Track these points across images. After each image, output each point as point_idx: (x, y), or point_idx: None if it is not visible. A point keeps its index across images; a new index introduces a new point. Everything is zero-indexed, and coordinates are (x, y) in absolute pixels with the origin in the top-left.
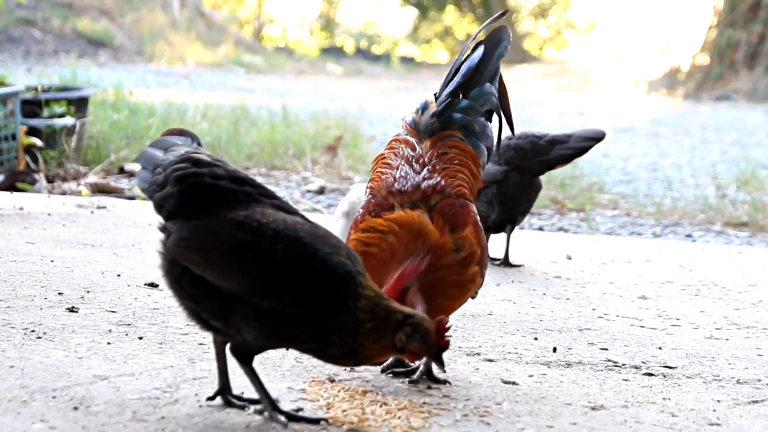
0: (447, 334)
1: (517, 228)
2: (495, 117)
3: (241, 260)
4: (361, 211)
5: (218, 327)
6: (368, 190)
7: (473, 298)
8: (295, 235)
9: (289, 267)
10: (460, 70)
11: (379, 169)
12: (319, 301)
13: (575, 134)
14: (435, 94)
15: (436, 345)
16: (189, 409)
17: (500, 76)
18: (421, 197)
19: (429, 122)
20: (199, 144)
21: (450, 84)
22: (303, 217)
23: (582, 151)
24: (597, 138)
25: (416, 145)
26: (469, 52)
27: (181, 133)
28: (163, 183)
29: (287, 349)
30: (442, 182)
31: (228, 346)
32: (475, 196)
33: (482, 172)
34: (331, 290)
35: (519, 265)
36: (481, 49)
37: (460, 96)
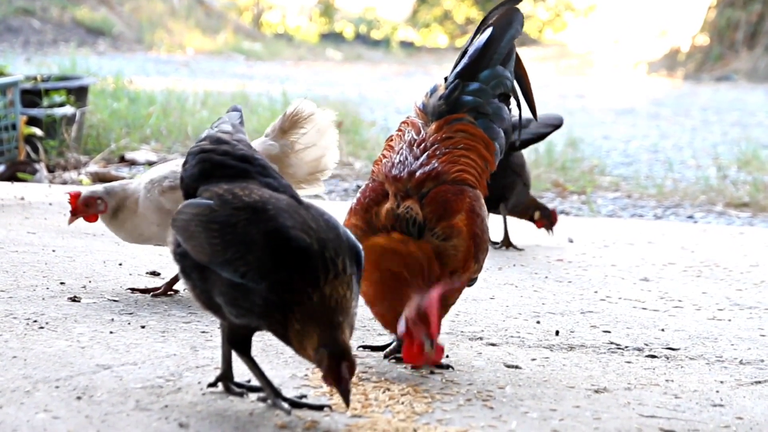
0: (344, 378)
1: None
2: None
3: (209, 230)
4: (358, 195)
5: (207, 302)
6: (371, 173)
7: (470, 285)
8: (262, 207)
9: (246, 236)
10: (467, 52)
11: (383, 152)
12: (270, 273)
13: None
14: (445, 78)
15: (338, 382)
16: (192, 398)
17: (520, 60)
18: (414, 185)
19: (437, 105)
20: (241, 118)
21: (457, 66)
22: (295, 198)
23: (541, 136)
24: (556, 125)
25: (422, 128)
26: (478, 34)
27: (234, 109)
28: (185, 162)
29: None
30: (439, 168)
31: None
32: (485, 179)
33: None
34: (282, 262)
35: (521, 249)
36: (488, 31)
37: (470, 78)
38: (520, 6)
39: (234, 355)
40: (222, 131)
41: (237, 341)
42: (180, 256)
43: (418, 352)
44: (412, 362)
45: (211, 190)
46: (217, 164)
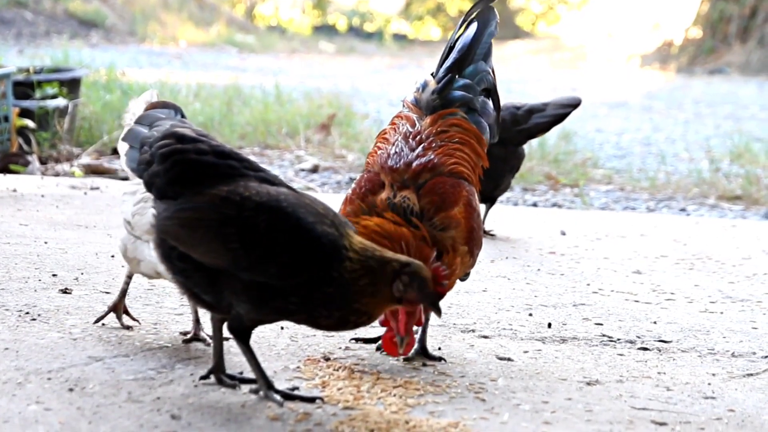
0: (442, 281)
1: (511, 204)
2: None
3: (225, 235)
4: (353, 185)
5: (210, 302)
6: (366, 165)
7: (463, 280)
8: (278, 205)
9: (272, 238)
10: (455, 46)
11: (378, 144)
12: (303, 272)
13: (552, 102)
14: (432, 74)
15: (433, 292)
16: (184, 389)
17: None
18: (411, 176)
19: (430, 99)
20: (182, 115)
21: (446, 61)
22: (289, 188)
23: (559, 118)
24: (573, 104)
25: (416, 121)
26: (462, 30)
27: (164, 105)
28: (149, 161)
29: (282, 329)
30: (435, 160)
31: (225, 324)
32: (478, 175)
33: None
34: (316, 260)
35: (493, 235)
36: (474, 26)
37: (458, 73)
38: (511, 2)
39: (225, 347)
40: (182, 126)
41: (241, 330)
42: (179, 258)
43: (390, 343)
44: (388, 351)
45: (209, 193)
46: (199, 164)
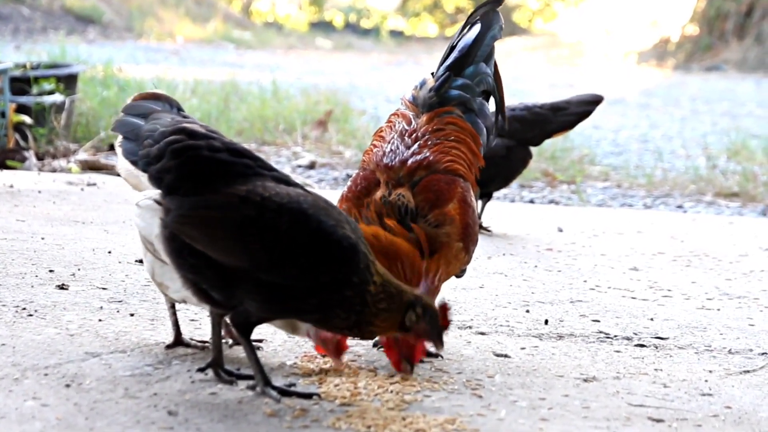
0: (448, 316)
1: (508, 201)
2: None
3: (245, 235)
4: (349, 183)
5: (218, 299)
6: (362, 163)
7: (459, 277)
8: (299, 207)
9: (294, 240)
10: (457, 46)
11: (374, 142)
12: (323, 274)
13: (572, 100)
14: (432, 73)
15: (442, 326)
16: (181, 385)
17: (495, 63)
18: (406, 173)
19: (427, 96)
20: (179, 109)
21: (447, 60)
22: (303, 189)
23: (584, 115)
24: (595, 102)
25: (412, 119)
26: (465, 30)
27: (155, 97)
28: (158, 155)
29: None
30: (431, 158)
31: (228, 317)
32: (474, 174)
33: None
34: (336, 263)
35: (489, 231)
36: (477, 27)
37: (458, 73)
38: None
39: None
40: (190, 121)
41: (245, 325)
42: (190, 255)
43: (396, 362)
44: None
45: (227, 192)
46: (214, 162)
